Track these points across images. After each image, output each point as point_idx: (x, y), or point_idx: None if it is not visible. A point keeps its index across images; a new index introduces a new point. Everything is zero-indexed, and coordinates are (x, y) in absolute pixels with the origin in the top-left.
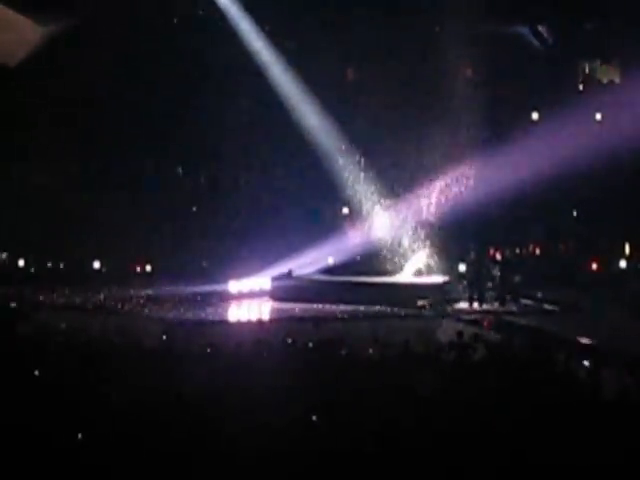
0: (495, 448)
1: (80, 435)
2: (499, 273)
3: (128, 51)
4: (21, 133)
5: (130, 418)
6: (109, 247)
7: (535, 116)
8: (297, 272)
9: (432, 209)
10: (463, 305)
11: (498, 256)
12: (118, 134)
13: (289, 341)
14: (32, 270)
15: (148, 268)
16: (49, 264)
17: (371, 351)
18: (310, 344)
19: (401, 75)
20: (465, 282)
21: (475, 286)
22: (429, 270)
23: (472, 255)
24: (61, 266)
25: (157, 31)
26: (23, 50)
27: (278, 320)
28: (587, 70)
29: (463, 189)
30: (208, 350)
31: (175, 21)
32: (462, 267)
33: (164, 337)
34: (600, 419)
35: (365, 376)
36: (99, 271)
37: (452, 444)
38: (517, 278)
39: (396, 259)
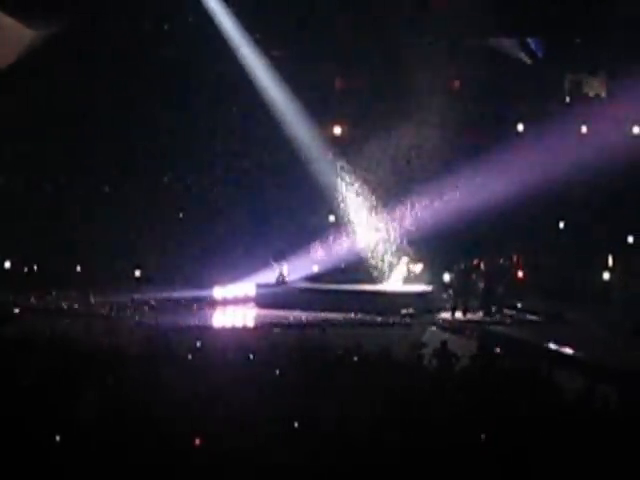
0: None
1: (55, 435)
2: (483, 283)
3: (116, 56)
4: (4, 135)
5: (104, 421)
6: (95, 251)
7: (521, 128)
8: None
9: (418, 219)
10: (447, 314)
11: (482, 266)
12: (104, 139)
13: (270, 348)
14: (18, 273)
15: (137, 273)
16: (35, 267)
17: (355, 359)
18: (293, 351)
19: (388, 86)
20: (449, 291)
21: (459, 296)
22: (414, 279)
23: (457, 265)
24: (46, 269)
25: (145, 37)
26: (8, 52)
27: (262, 327)
28: (574, 83)
29: (449, 200)
30: (189, 356)
31: (166, 27)
32: (447, 277)
33: (145, 341)
34: (579, 431)
35: (341, 385)
36: (83, 275)
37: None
38: (501, 289)
39: (381, 267)
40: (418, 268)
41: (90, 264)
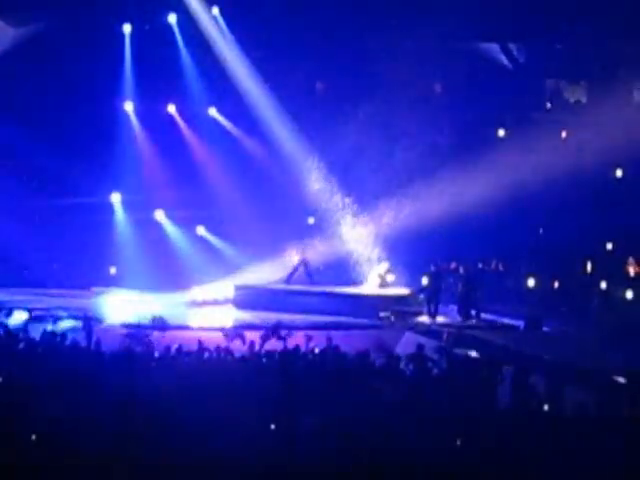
0: None
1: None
2: (461, 287)
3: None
4: None
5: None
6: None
7: (502, 133)
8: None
9: (399, 222)
10: (425, 318)
11: (461, 270)
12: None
13: (244, 349)
14: None
15: (113, 271)
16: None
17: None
18: (267, 353)
19: (369, 89)
20: (421, 295)
21: (430, 299)
22: (392, 282)
23: (432, 268)
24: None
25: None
26: None
27: (238, 327)
28: (554, 89)
29: (429, 203)
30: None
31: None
32: (425, 280)
33: (123, 341)
34: (552, 439)
35: (315, 388)
36: (56, 273)
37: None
38: (480, 293)
39: (360, 270)
40: (397, 271)
41: (66, 261)
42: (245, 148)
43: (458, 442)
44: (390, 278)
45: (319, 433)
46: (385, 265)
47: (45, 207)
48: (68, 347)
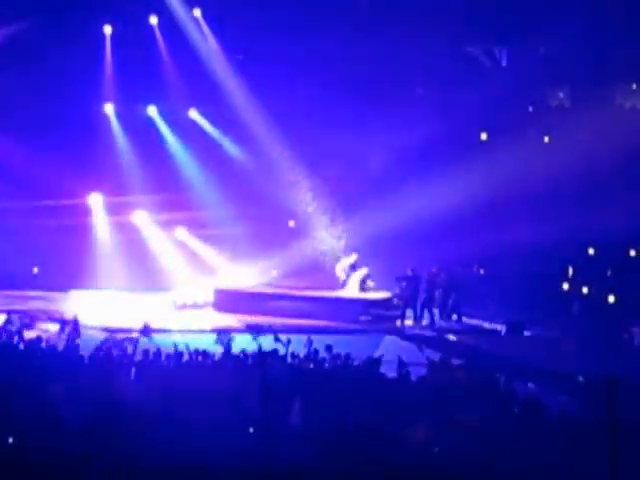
0: None
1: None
2: (442, 291)
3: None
4: None
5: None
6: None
7: (484, 136)
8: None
9: (381, 225)
10: (406, 322)
11: (442, 274)
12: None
13: (222, 352)
14: None
15: (92, 273)
16: None
17: (311, 366)
18: (246, 356)
19: (351, 91)
20: (395, 300)
21: (410, 303)
22: (372, 287)
23: (409, 272)
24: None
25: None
26: None
27: (217, 330)
28: (537, 93)
29: (411, 206)
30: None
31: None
32: (402, 284)
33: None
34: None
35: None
36: (36, 276)
37: None
38: (460, 297)
39: (341, 273)
40: (375, 275)
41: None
42: (226, 150)
43: (436, 450)
44: (370, 284)
45: (298, 435)
46: (365, 270)
47: (23, 209)
48: (46, 350)
